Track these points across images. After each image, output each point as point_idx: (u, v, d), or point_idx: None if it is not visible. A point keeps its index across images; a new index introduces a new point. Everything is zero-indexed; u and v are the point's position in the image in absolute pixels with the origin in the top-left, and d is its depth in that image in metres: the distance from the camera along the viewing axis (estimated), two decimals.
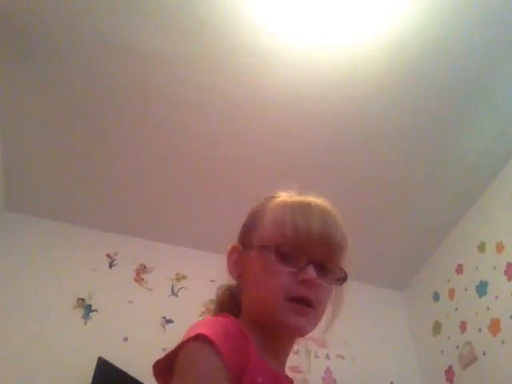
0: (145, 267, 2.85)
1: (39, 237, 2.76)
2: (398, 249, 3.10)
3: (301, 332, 0.75)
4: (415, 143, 2.58)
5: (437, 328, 2.97)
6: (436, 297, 3.06)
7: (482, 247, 2.74)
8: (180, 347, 0.64)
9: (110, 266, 2.82)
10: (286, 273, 0.75)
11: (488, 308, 2.58)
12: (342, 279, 0.80)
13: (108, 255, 2.84)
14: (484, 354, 2.54)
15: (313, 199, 0.82)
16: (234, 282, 0.86)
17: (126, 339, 2.54)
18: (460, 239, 2.95)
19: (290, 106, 2.39)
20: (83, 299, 2.62)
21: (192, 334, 0.64)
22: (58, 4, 2.01)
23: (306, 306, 0.74)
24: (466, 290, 2.79)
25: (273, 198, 0.87)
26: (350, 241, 0.81)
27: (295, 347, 0.83)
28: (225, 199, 2.77)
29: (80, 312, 2.58)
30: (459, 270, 2.89)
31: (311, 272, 0.74)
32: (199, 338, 0.62)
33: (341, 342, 2.91)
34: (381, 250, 3.09)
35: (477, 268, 2.75)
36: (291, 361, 0.83)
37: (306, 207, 0.79)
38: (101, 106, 2.39)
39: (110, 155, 2.60)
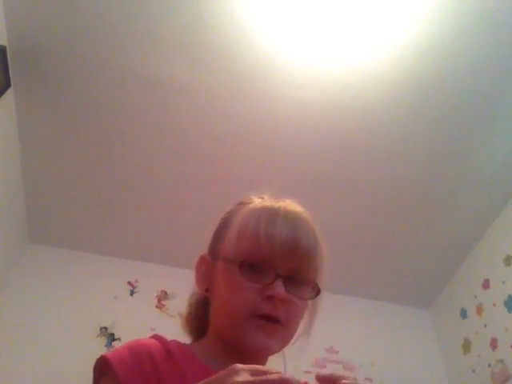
0: (166, 293, 2.84)
1: (61, 267, 2.79)
2: (422, 266, 3.04)
3: (263, 352, 0.70)
4: (435, 157, 2.55)
5: (466, 346, 2.89)
6: (463, 314, 2.97)
7: (508, 260, 2.67)
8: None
9: (132, 293, 2.82)
10: (250, 289, 0.69)
11: None
12: (315, 293, 0.73)
13: (129, 283, 2.85)
14: None
15: (283, 204, 0.75)
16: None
17: None
18: (485, 253, 2.88)
19: (303, 125, 2.40)
20: (106, 328, 2.62)
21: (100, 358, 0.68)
22: (74, 38, 2.08)
23: (275, 322, 0.68)
24: (495, 305, 2.71)
25: (244, 203, 0.81)
26: (324, 247, 0.74)
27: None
28: None
29: (103, 341, 2.58)
30: (486, 284, 2.82)
31: (278, 288, 0.67)
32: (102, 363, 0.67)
33: (368, 364, 2.84)
34: (404, 267, 3.04)
35: (504, 282, 2.67)
36: None
37: (272, 215, 0.72)
38: (117, 135, 2.42)
39: (128, 183, 2.63)
